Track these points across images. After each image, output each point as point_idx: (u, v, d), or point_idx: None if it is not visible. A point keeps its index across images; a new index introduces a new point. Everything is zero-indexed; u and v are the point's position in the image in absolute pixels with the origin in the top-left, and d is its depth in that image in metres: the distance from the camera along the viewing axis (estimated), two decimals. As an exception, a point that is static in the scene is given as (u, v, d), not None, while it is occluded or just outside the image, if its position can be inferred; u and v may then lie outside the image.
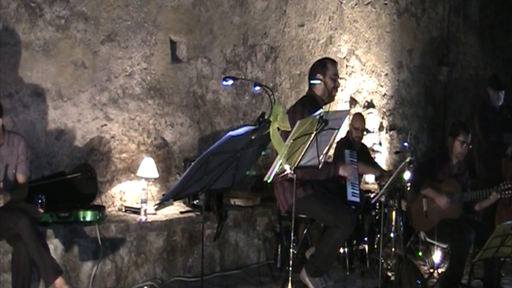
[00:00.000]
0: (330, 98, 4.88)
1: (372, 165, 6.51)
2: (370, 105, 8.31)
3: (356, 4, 8.03)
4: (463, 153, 5.38)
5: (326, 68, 4.86)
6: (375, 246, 5.99)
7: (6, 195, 4.21)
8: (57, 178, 5.04)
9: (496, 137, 6.76)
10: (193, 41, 6.18)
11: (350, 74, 8.01)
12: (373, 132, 8.35)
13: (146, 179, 5.44)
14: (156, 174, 5.53)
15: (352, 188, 4.87)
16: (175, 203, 5.79)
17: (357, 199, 4.86)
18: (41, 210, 4.22)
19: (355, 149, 5.87)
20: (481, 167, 6.87)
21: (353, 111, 7.55)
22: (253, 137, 3.56)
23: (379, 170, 6.03)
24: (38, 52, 5.09)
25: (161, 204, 5.50)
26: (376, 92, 8.41)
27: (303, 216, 4.75)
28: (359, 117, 6.59)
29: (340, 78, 7.71)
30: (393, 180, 4.66)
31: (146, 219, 5.25)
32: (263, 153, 4.29)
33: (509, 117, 6.92)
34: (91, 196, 5.26)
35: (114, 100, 5.59)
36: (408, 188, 5.64)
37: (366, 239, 5.95)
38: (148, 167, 5.47)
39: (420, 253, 6.26)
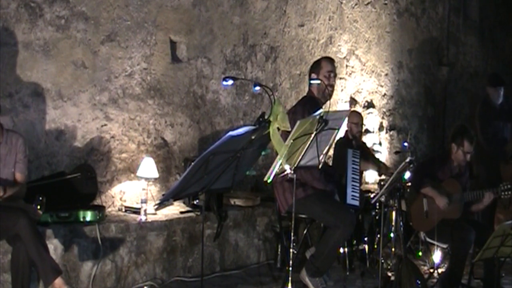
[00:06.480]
0: (325, 97, 4.79)
1: (373, 161, 6.52)
2: (370, 105, 8.31)
3: (356, 4, 8.03)
4: (465, 160, 5.36)
5: (319, 66, 4.83)
6: (375, 246, 5.98)
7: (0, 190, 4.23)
8: (57, 178, 5.04)
9: (495, 134, 6.74)
10: (193, 41, 6.18)
11: (350, 74, 8.01)
12: (373, 132, 8.35)
13: (146, 179, 5.44)
14: (156, 174, 5.53)
15: (353, 191, 4.86)
16: (175, 203, 5.79)
17: (357, 203, 4.85)
18: (41, 212, 4.22)
19: (355, 147, 5.87)
20: (480, 169, 6.85)
21: (351, 110, 7.55)
22: (253, 137, 3.56)
23: (379, 165, 6.03)
24: (38, 52, 5.09)
25: (161, 204, 5.50)
26: (376, 92, 8.40)
27: (303, 216, 4.75)
28: (354, 113, 6.61)
29: (340, 78, 7.75)
30: (393, 180, 4.66)
31: (146, 219, 5.25)
32: (263, 153, 4.29)
33: (509, 113, 6.88)
34: (91, 196, 5.26)
35: (114, 100, 5.58)
36: (408, 188, 5.64)
37: (366, 239, 5.94)
38: (148, 167, 5.46)
39: (420, 253, 6.26)
